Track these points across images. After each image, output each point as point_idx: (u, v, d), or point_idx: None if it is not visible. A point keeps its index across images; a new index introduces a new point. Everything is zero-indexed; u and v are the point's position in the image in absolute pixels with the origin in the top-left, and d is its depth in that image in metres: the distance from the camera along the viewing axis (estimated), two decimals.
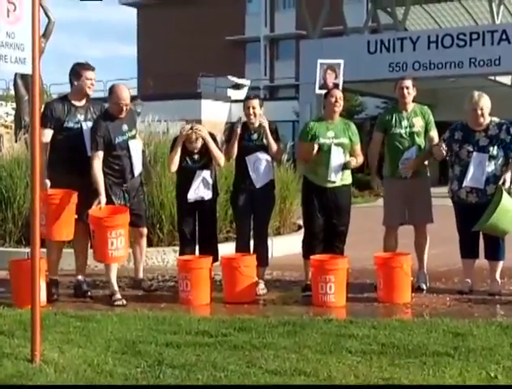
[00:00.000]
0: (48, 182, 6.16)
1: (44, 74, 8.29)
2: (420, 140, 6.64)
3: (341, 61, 7.11)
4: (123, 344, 4.81)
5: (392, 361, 4.34)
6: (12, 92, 16.52)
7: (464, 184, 6.27)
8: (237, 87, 34.95)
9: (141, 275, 6.94)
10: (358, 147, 6.66)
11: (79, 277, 6.64)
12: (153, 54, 44.78)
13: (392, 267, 6.20)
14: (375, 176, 6.86)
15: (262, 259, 6.61)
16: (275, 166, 7.12)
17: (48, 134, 6.28)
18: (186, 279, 6.24)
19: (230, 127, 6.87)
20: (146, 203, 7.23)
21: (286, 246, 8.83)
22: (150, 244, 8.17)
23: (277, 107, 25.27)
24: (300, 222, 8.59)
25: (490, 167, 6.24)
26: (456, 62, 20.71)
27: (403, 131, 6.59)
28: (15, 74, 13.53)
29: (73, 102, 6.44)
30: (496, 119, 6.38)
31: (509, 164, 6.28)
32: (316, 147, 6.43)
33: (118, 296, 6.25)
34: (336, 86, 6.88)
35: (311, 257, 6.32)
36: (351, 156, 6.58)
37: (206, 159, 6.67)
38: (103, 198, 6.13)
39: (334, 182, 6.51)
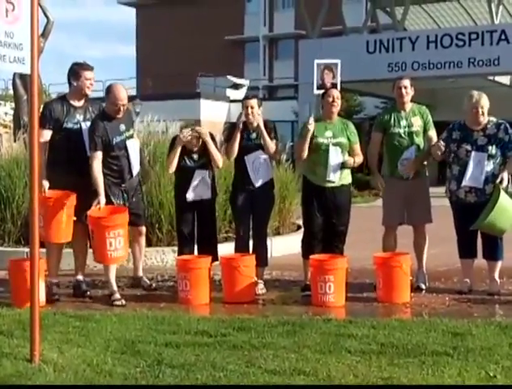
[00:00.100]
0: (46, 184, 6.15)
1: (43, 74, 8.29)
2: (419, 140, 6.64)
3: (338, 61, 7.11)
4: (122, 343, 4.81)
5: (391, 360, 4.35)
6: (11, 92, 16.55)
7: (463, 183, 6.28)
8: (236, 87, 34.96)
9: (140, 273, 6.96)
10: (357, 147, 6.66)
11: (79, 277, 6.65)
12: (152, 54, 44.78)
13: (391, 266, 6.20)
14: (377, 174, 6.80)
15: (262, 259, 6.62)
16: (274, 166, 7.12)
17: (47, 134, 6.28)
18: (186, 278, 6.25)
19: (229, 127, 6.87)
20: (144, 201, 7.24)
21: (285, 246, 8.83)
22: (149, 244, 8.18)
23: (276, 107, 25.27)
24: (300, 222, 8.60)
25: (489, 166, 6.25)
26: (455, 62, 20.72)
27: (401, 131, 6.60)
28: (14, 74, 13.54)
29: (72, 102, 6.44)
30: (493, 119, 6.39)
31: (506, 163, 6.29)
32: (311, 119, 6.42)
33: (117, 296, 6.25)
34: (334, 86, 6.87)
35: (310, 257, 6.32)
36: (350, 155, 6.58)
37: (205, 158, 6.68)
38: (102, 198, 6.13)
39: (333, 182, 6.51)
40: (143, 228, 6.88)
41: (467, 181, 6.26)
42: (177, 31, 44.25)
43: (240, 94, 30.02)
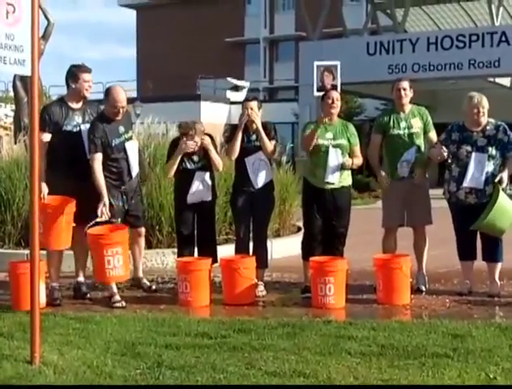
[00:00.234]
0: (45, 189, 6.13)
1: (44, 76, 8.29)
2: (419, 141, 6.64)
3: (337, 63, 7.15)
4: (122, 345, 4.81)
5: (391, 362, 4.35)
6: (11, 94, 16.56)
7: (464, 184, 6.28)
8: (237, 88, 34.98)
9: (140, 273, 6.97)
10: (357, 149, 6.66)
11: (79, 279, 6.65)
12: (152, 56, 44.80)
13: (391, 268, 6.20)
14: (380, 171, 6.69)
15: (262, 261, 6.62)
16: (274, 167, 7.12)
17: (46, 137, 6.26)
18: (186, 280, 6.25)
19: (231, 128, 6.88)
20: (144, 203, 7.25)
21: (285, 248, 8.83)
22: (149, 246, 8.18)
23: (276, 109, 25.26)
24: (300, 224, 8.60)
25: (489, 167, 6.25)
26: (455, 64, 20.74)
27: (401, 132, 6.59)
28: (14, 76, 13.54)
29: (70, 104, 6.42)
30: (492, 120, 6.40)
31: (506, 163, 6.29)
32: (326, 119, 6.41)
33: (117, 297, 6.26)
34: (334, 87, 6.88)
35: (310, 258, 6.32)
36: (350, 157, 6.58)
37: (205, 160, 6.68)
38: (106, 199, 6.13)
39: (332, 184, 6.51)
40: (143, 230, 6.89)
41: (467, 182, 6.26)
42: (177, 33, 44.28)
43: (240, 96, 30.06)
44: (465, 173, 6.26)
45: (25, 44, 4.42)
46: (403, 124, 6.61)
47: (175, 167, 6.65)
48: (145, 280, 6.98)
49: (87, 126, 6.37)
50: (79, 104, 6.47)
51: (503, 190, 6.17)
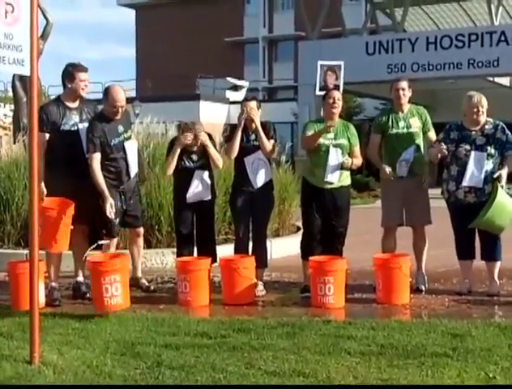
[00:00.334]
0: (44, 190, 6.12)
1: (43, 76, 8.27)
2: (418, 141, 6.64)
3: (341, 63, 7.12)
4: (122, 345, 4.81)
5: (391, 361, 4.35)
6: (10, 94, 16.56)
7: (463, 183, 6.28)
8: (236, 88, 34.98)
9: (139, 273, 6.97)
10: (357, 149, 6.66)
11: (78, 279, 6.64)
12: (152, 56, 44.81)
13: (391, 268, 6.20)
14: (382, 166, 6.62)
15: (261, 261, 6.62)
16: (273, 167, 7.11)
17: (44, 137, 6.25)
18: (185, 280, 6.25)
19: (230, 127, 6.88)
20: (143, 203, 7.24)
21: (285, 248, 8.83)
22: (149, 246, 8.19)
23: (275, 108, 25.28)
24: (299, 223, 8.60)
25: (488, 166, 6.25)
26: (455, 63, 20.75)
27: (400, 132, 6.60)
28: (13, 76, 13.55)
29: (67, 104, 6.41)
30: (490, 119, 6.41)
31: (504, 162, 6.30)
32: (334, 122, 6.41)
33: None
34: (336, 87, 6.86)
35: (310, 258, 6.32)
36: (349, 157, 6.58)
37: (204, 159, 6.68)
38: (109, 197, 6.13)
39: (331, 183, 6.51)
40: (141, 230, 6.88)
41: (467, 181, 6.26)
42: (176, 32, 44.28)
43: (239, 96, 30.07)
44: (464, 172, 6.26)
45: (24, 44, 4.41)
46: (401, 123, 6.61)
47: (174, 164, 6.64)
48: (144, 280, 6.98)
49: (85, 124, 6.36)
50: (76, 104, 6.45)
51: (502, 187, 6.18)
